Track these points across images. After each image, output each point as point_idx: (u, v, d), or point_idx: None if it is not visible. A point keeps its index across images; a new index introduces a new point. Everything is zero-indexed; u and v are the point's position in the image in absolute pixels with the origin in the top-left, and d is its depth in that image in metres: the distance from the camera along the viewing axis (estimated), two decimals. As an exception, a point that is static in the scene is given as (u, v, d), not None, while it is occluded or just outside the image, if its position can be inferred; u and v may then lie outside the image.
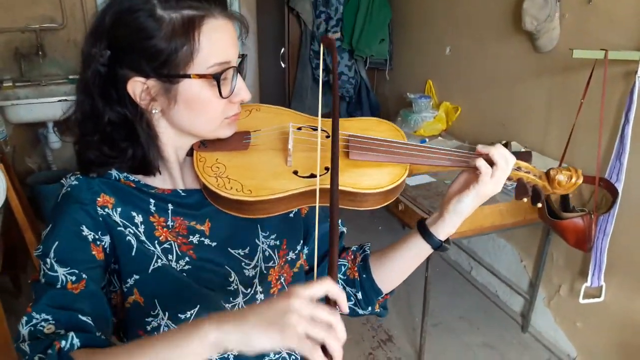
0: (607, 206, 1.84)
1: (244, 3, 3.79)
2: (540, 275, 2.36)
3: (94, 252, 0.73)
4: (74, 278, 0.69)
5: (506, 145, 0.85)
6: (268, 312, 0.56)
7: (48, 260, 0.70)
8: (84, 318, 0.67)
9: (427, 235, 0.84)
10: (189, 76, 0.69)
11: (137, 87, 0.70)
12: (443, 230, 0.84)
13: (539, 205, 0.82)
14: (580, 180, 0.81)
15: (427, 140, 2.74)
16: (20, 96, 3.20)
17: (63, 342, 0.62)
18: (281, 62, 3.61)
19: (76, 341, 0.63)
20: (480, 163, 0.78)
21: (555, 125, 2.21)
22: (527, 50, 2.31)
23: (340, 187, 0.72)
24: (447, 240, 0.86)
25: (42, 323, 0.66)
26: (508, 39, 2.42)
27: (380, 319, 2.57)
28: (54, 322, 0.66)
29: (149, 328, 0.77)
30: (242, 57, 0.77)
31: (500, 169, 0.78)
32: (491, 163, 0.79)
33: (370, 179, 0.76)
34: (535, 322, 2.47)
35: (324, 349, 0.54)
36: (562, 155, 1.98)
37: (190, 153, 0.81)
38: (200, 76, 0.70)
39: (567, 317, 2.29)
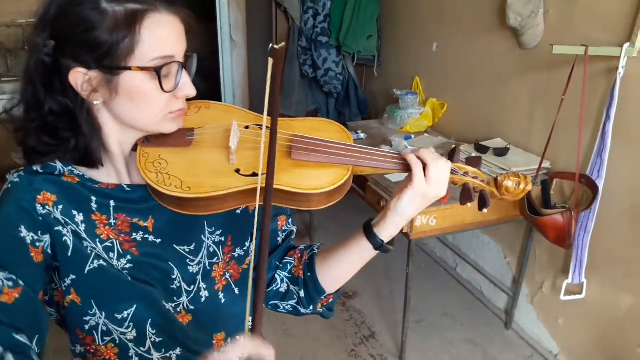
0: (587, 203, 1.83)
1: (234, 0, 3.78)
2: (523, 272, 2.37)
3: (32, 254, 0.72)
4: (10, 284, 0.69)
5: (454, 149, 0.84)
6: None
7: None
8: (18, 337, 0.66)
9: (370, 236, 0.84)
10: (129, 68, 0.69)
11: (79, 77, 0.70)
12: (386, 230, 0.84)
13: (485, 211, 0.82)
14: (529, 187, 0.81)
15: (413, 136, 2.73)
16: (7, 91, 3.18)
17: None
18: (269, 58, 3.58)
19: None
20: (410, 158, 0.79)
21: (538, 121, 2.21)
22: (512, 47, 2.30)
23: (281, 187, 0.72)
24: (390, 242, 0.86)
25: None
26: (494, 35, 2.41)
27: (364, 315, 2.57)
28: None
29: (86, 327, 0.78)
30: (190, 55, 0.77)
31: (430, 167, 0.78)
32: (424, 163, 0.79)
33: (311, 179, 0.75)
34: (519, 318, 2.47)
35: None
36: (543, 151, 1.97)
37: (135, 149, 0.80)
38: (141, 69, 0.70)
39: (550, 314, 2.29)
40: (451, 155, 0.84)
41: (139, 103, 0.72)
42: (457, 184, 0.83)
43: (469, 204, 0.82)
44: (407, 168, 0.81)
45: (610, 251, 1.93)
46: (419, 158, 0.80)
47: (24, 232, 0.72)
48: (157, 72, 0.70)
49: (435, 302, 2.69)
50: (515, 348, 2.37)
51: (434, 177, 0.78)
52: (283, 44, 0.72)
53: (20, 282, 0.70)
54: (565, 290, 2.01)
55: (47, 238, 0.74)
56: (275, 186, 0.71)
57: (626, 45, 1.69)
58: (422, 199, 0.80)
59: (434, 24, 2.90)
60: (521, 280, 2.39)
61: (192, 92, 0.76)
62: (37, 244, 0.73)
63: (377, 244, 0.85)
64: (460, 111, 2.76)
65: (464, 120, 2.73)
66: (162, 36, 0.70)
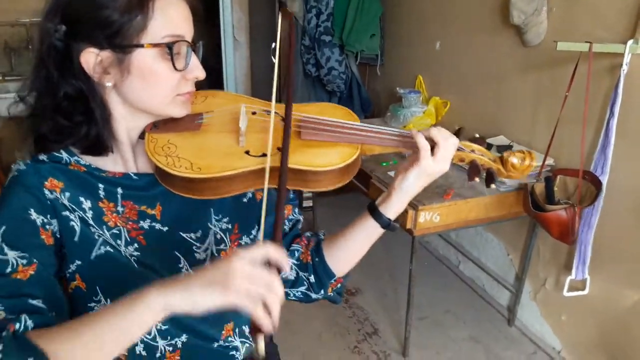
0: (591, 199, 1.84)
1: (236, -1, 3.80)
2: (526, 268, 2.37)
3: (43, 236, 0.73)
4: (24, 262, 0.70)
5: (459, 130, 0.86)
6: (211, 273, 0.59)
7: None
8: (34, 302, 0.68)
9: (377, 215, 0.86)
10: (142, 46, 0.70)
11: (91, 58, 0.71)
12: (391, 208, 0.85)
13: (492, 186, 0.84)
14: (535, 163, 0.83)
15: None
16: (10, 90, 3.19)
17: (17, 325, 0.62)
18: (272, 57, 3.60)
19: (30, 322, 0.63)
20: (419, 139, 0.79)
21: (542, 119, 2.22)
22: (516, 45, 2.31)
23: (292, 166, 0.73)
24: (396, 220, 0.87)
25: None
26: (497, 33, 2.42)
27: (367, 312, 2.58)
28: (3, 309, 0.65)
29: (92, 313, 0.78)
30: (198, 43, 0.79)
31: (440, 147, 0.79)
32: (433, 143, 0.80)
33: (322, 158, 0.76)
34: (522, 315, 2.48)
35: (264, 306, 0.58)
36: (547, 148, 1.98)
37: (143, 137, 0.81)
38: (154, 45, 0.71)
39: (553, 310, 2.29)
40: (457, 135, 0.85)
41: (150, 82, 0.73)
42: (465, 161, 0.84)
43: (476, 179, 0.83)
44: (415, 146, 0.82)
45: (614, 247, 1.94)
46: (427, 138, 0.80)
47: (33, 214, 0.73)
48: (169, 48, 0.71)
49: (438, 299, 2.69)
50: (518, 345, 2.38)
51: (442, 156, 0.79)
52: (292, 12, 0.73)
53: (34, 260, 0.71)
54: (568, 286, 2.01)
55: (55, 222, 0.75)
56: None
57: (630, 41, 1.70)
58: (427, 176, 0.81)
59: (436, 23, 2.91)
60: (524, 277, 2.39)
61: (201, 74, 0.77)
62: (47, 226, 0.74)
63: (385, 223, 0.86)
64: (464, 109, 2.77)
65: (467, 118, 2.73)
66: (172, 15, 0.72)
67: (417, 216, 1.92)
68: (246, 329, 0.94)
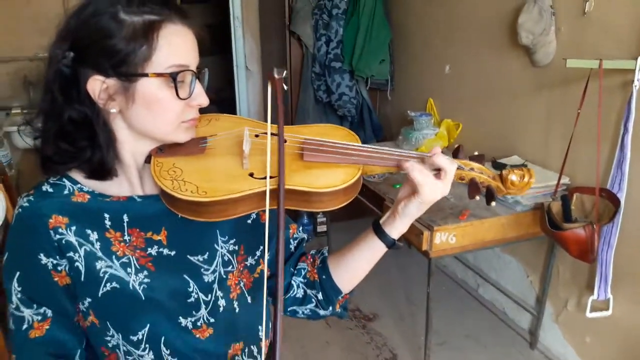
0: (609, 216, 1.81)
1: (248, 29, 3.88)
2: (546, 290, 2.33)
3: (56, 279, 0.75)
4: (39, 317, 0.74)
5: (458, 148, 0.85)
6: None
7: (14, 299, 0.74)
8: None
9: (381, 234, 0.86)
10: (146, 75, 0.72)
11: (97, 85, 0.72)
12: (395, 229, 0.86)
13: (493, 204, 0.83)
14: (533, 180, 0.82)
15: (428, 157, 2.74)
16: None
17: None
18: (283, 85, 3.65)
19: None
20: (414, 176, 0.77)
21: (555, 138, 2.21)
22: (525, 65, 2.32)
23: (294, 187, 0.74)
24: (400, 239, 0.87)
25: None
26: (506, 54, 2.44)
27: (385, 337, 2.53)
28: None
29: (110, 345, 0.80)
30: (203, 70, 0.80)
31: (444, 176, 0.78)
32: (433, 170, 0.80)
33: (323, 179, 0.77)
34: (544, 338, 2.41)
35: None
36: (561, 166, 1.97)
37: (149, 160, 0.82)
38: (158, 75, 0.72)
39: (576, 332, 2.23)
40: (456, 153, 0.86)
41: (155, 110, 0.75)
42: (464, 180, 0.85)
43: (477, 197, 0.84)
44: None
45: (636, 265, 1.90)
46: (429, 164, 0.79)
47: (43, 258, 0.75)
48: (173, 78, 0.73)
49: (458, 323, 2.64)
50: (541, 369, 2.31)
51: (439, 187, 0.79)
52: (285, 72, 0.76)
53: (49, 314, 0.74)
54: (591, 307, 1.97)
55: (65, 262, 0.76)
56: (288, 186, 0.73)
57: (640, 57, 1.70)
58: (429, 203, 0.81)
59: (445, 46, 2.94)
60: (545, 298, 2.34)
61: (205, 101, 0.79)
62: (59, 267, 0.76)
63: (389, 243, 0.87)
64: (476, 130, 2.77)
65: (480, 139, 2.73)
66: (177, 45, 0.74)
67: (432, 237, 1.91)
68: (255, 349, 0.94)
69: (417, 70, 3.27)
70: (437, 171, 0.79)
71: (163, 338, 0.80)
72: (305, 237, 1.03)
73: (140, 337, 0.79)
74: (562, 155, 1.97)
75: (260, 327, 0.93)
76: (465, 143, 2.82)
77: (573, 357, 2.26)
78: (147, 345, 0.79)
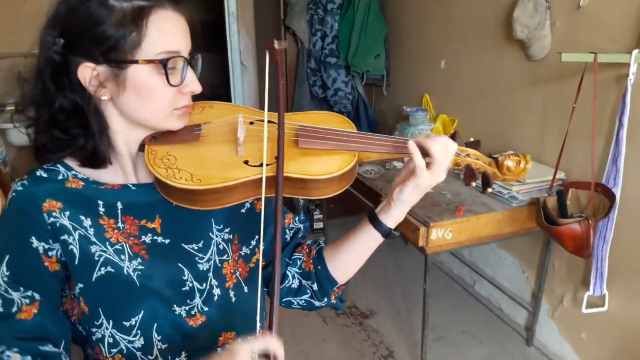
0: (604, 211, 1.81)
1: (243, 25, 3.86)
2: (542, 286, 2.32)
3: (46, 264, 0.74)
4: (27, 301, 0.72)
5: (454, 134, 0.85)
6: None
7: (1, 281, 0.73)
8: (44, 348, 0.70)
9: (377, 224, 0.86)
10: (136, 62, 0.71)
11: (87, 72, 0.72)
12: (391, 217, 0.85)
13: (489, 190, 0.83)
14: (530, 165, 0.82)
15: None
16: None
17: None
18: (284, 56, 3.63)
19: None
20: (415, 158, 0.79)
21: (551, 132, 2.20)
22: (520, 59, 2.31)
23: (290, 175, 0.74)
24: (396, 228, 0.87)
25: (7, 352, 0.69)
26: (501, 49, 2.42)
27: (381, 334, 2.53)
28: (18, 350, 0.68)
29: (94, 338, 0.79)
30: (196, 56, 0.79)
31: (437, 162, 0.79)
32: (429, 155, 0.79)
33: (319, 166, 0.77)
34: (540, 334, 2.41)
35: None
36: (557, 162, 1.96)
37: (143, 149, 0.81)
38: (148, 61, 0.71)
39: (572, 328, 2.23)
40: (452, 139, 0.85)
41: (145, 97, 0.74)
42: (460, 166, 0.84)
43: (473, 184, 0.83)
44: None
45: (632, 261, 1.89)
46: (422, 148, 0.79)
47: (35, 242, 0.73)
48: (163, 64, 0.72)
49: (454, 319, 2.64)
50: (537, 365, 2.31)
51: (438, 170, 0.80)
52: (285, 44, 0.75)
53: (37, 297, 0.72)
54: (586, 302, 1.96)
55: (57, 246, 0.75)
56: (284, 174, 0.73)
57: (635, 51, 1.68)
58: (425, 187, 0.81)
59: (441, 42, 2.93)
60: (541, 294, 2.34)
61: (197, 88, 0.77)
62: (50, 252, 0.74)
63: (385, 232, 0.86)
64: (472, 126, 2.76)
65: (476, 134, 2.72)
66: (168, 31, 0.73)
67: (429, 233, 1.90)
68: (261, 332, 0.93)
69: (413, 65, 3.26)
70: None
71: (156, 325, 0.80)
72: (302, 228, 1.02)
73: (134, 322, 0.78)
74: (558, 150, 1.96)
75: (256, 318, 0.92)
76: (461, 138, 2.82)
77: (569, 353, 2.25)
78: (138, 332, 0.79)
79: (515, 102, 2.40)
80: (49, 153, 0.77)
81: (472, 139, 0.86)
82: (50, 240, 0.74)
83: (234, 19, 3.85)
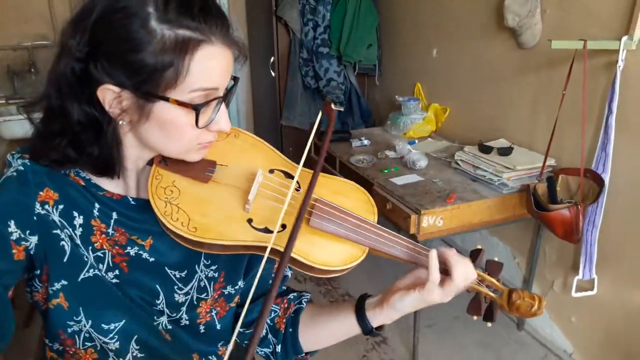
0: (594, 197, 1.83)
1: (235, 15, 3.84)
2: (533, 271, 2.35)
3: (13, 251, 0.67)
4: None
5: (479, 251, 0.78)
6: None
7: None
8: None
9: (361, 319, 0.81)
10: (167, 99, 0.64)
11: (108, 95, 0.65)
12: (378, 319, 0.81)
13: (489, 324, 0.78)
14: (541, 312, 0.75)
15: (416, 141, 2.75)
16: (13, 112, 3.22)
17: None
18: (271, 71, 3.63)
19: None
20: (432, 270, 0.73)
21: (541, 120, 2.22)
22: (511, 47, 2.33)
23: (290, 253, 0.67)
24: (379, 327, 0.82)
25: None
26: (492, 37, 2.44)
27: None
28: None
29: (69, 330, 0.75)
30: (234, 79, 0.72)
31: (454, 284, 0.74)
32: (447, 270, 0.74)
33: (323, 252, 0.71)
34: (531, 319, 2.45)
35: None
36: (547, 148, 1.98)
37: (150, 162, 0.76)
38: (179, 103, 0.64)
39: (562, 312, 2.27)
40: (474, 257, 0.79)
41: (169, 133, 0.68)
42: (469, 291, 0.79)
43: (474, 317, 0.79)
44: (425, 266, 0.76)
45: (620, 245, 1.92)
46: (442, 262, 0.74)
47: (12, 227, 0.67)
48: (195, 109, 0.65)
49: (446, 305, 2.62)
50: (528, 349, 2.35)
51: (451, 291, 0.74)
52: (342, 108, 0.72)
53: None
54: (576, 286, 2.00)
55: (34, 240, 0.69)
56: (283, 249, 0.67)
57: (624, 38, 1.70)
58: (428, 303, 0.76)
59: (432, 30, 2.94)
60: (531, 280, 2.37)
61: (226, 127, 0.71)
62: (22, 242, 0.68)
63: (367, 329, 0.81)
64: (463, 114, 2.78)
65: (467, 122, 2.74)
66: (211, 69, 0.65)
67: (420, 220, 1.92)
68: (213, 358, 0.91)
69: (405, 54, 3.27)
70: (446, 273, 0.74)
71: (136, 335, 0.77)
72: (289, 275, 0.97)
73: (112, 327, 0.75)
74: (548, 136, 1.98)
75: (219, 346, 0.90)
76: (453, 127, 2.84)
77: (559, 336, 2.29)
78: (116, 336, 0.76)
79: (506, 90, 2.42)
80: (53, 164, 0.70)
81: (496, 259, 0.80)
82: (28, 232, 0.68)
83: (226, 10, 3.83)
